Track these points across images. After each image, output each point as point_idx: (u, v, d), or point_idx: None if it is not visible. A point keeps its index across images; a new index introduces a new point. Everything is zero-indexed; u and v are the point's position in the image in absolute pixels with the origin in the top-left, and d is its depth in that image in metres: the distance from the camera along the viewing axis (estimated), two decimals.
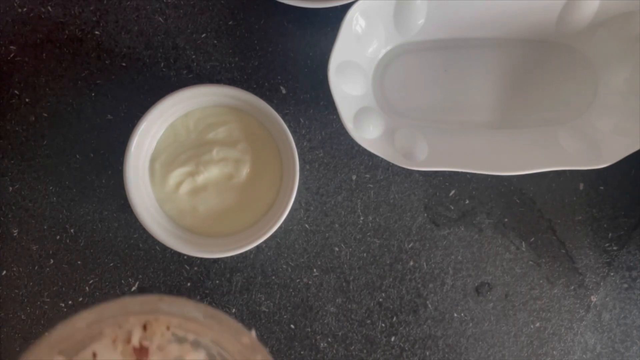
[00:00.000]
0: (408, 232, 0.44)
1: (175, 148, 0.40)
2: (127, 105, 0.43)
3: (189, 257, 0.42)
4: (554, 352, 0.44)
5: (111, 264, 0.43)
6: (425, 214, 0.44)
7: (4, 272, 0.43)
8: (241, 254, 0.42)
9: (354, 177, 0.43)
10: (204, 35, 0.43)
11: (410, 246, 0.44)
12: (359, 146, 0.38)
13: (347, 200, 0.43)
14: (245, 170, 0.40)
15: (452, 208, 0.44)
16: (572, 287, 0.44)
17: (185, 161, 0.40)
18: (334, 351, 0.44)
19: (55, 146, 0.43)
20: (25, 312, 0.43)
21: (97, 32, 0.43)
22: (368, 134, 0.39)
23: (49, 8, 0.42)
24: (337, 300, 0.43)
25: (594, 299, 0.44)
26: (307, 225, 0.43)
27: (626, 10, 0.39)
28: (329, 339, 0.43)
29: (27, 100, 0.43)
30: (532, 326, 0.44)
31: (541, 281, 0.44)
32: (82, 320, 0.26)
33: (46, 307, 0.43)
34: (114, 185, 0.43)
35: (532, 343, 0.44)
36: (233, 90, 0.38)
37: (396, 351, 0.44)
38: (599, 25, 0.40)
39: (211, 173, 0.40)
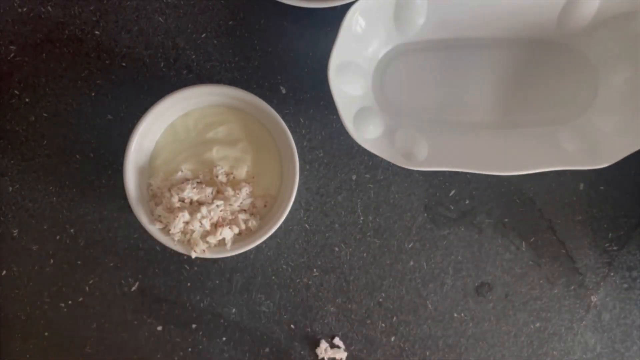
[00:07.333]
0: (408, 232, 0.44)
1: (174, 147, 0.40)
2: (127, 105, 0.43)
3: (189, 257, 0.42)
4: (554, 352, 0.44)
5: (111, 264, 0.43)
6: (425, 214, 0.44)
7: (4, 272, 0.43)
8: (241, 254, 0.42)
9: (354, 177, 0.43)
10: (204, 35, 0.43)
11: (410, 246, 0.44)
12: (359, 146, 0.38)
13: (347, 200, 0.43)
14: (245, 170, 0.40)
15: (452, 208, 0.44)
16: (572, 287, 0.44)
17: (184, 160, 0.40)
18: None
19: (55, 146, 0.43)
20: (25, 312, 0.43)
21: (97, 32, 0.43)
22: (368, 134, 0.39)
23: (49, 8, 0.42)
24: (337, 300, 0.43)
25: (594, 299, 0.44)
26: (307, 225, 0.43)
27: (626, 10, 0.39)
28: (329, 339, 0.43)
29: (27, 100, 0.43)
30: (532, 326, 0.44)
31: (541, 281, 0.44)
32: None
33: (46, 307, 0.43)
34: (114, 185, 0.43)
35: (532, 343, 0.44)
36: (233, 90, 0.38)
37: (396, 351, 0.44)
38: (599, 25, 0.40)
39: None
